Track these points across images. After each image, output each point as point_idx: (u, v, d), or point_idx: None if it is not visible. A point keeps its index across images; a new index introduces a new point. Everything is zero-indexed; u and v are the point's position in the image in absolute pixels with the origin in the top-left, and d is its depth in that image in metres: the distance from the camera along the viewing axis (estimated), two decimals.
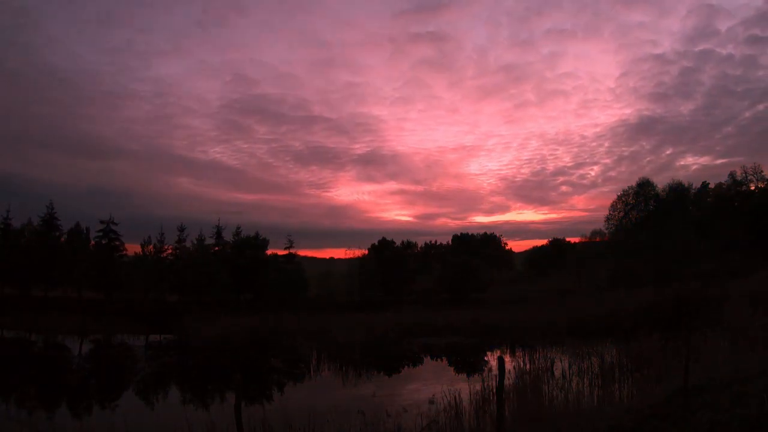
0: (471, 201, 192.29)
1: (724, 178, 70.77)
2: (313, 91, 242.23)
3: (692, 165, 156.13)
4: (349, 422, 10.78)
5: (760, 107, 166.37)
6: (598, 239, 76.17)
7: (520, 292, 59.37)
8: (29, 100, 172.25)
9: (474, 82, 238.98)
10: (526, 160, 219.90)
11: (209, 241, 61.82)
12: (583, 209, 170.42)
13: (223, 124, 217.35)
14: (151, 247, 58.71)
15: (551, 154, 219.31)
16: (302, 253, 70.01)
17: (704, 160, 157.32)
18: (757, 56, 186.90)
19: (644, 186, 68.95)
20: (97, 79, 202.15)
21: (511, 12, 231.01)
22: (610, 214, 71.09)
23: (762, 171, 65.16)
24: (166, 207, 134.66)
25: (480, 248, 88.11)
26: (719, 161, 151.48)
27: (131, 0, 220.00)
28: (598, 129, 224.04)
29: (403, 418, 10.74)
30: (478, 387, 13.01)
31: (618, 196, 71.61)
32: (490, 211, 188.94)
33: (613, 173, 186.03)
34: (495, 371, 10.40)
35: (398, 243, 76.40)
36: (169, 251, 59.54)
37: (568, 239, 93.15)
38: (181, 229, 60.06)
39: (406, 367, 22.59)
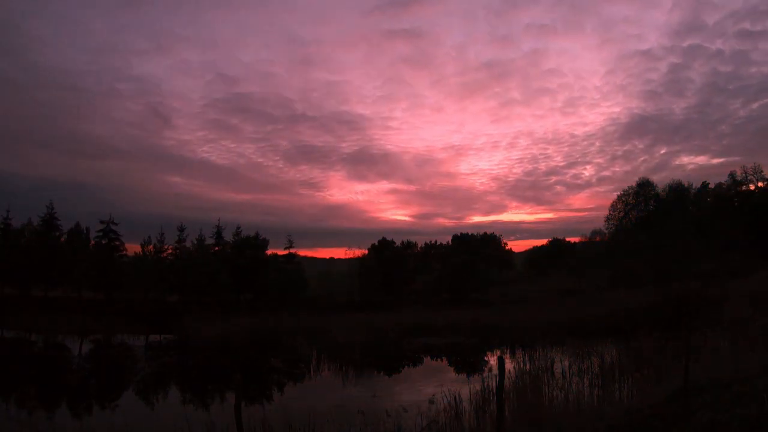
0: (466, 200, 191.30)
1: (721, 178, 70.88)
2: (295, 90, 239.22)
3: (688, 165, 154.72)
4: (349, 422, 10.78)
5: (755, 105, 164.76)
6: (598, 239, 76.19)
7: (520, 292, 59.37)
8: (15, 101, 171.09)
9: (456, 80, 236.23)
10: (517, 159, 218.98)
11: (209, 241, 61.89)
12: (579, 209, 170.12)
13: (209, 123, 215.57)
14: (151, 247, 58.78)
15: (542, 154, 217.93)
16: (302, 253, 70.12)
17: (701, 159, 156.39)
18: (748, 52, 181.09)
19: (644, 186, 69.04)
20: (80, 78, 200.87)
21: (487, 5, 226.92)
22: (610, 214, 71.23)
23: (762, 171, 65.20)
24: (159, 206, 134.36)
25: (480, 248, 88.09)
26: (716, 161, 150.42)
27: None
28: (587, 128, 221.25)
29: (403, 418, 10.73)
30: (478, 387, 13.02)
31: (618, 196, 71.77)
32: (487, 211, 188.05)
33: (607, 173, 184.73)
34: (495, 371, 10.39)
35: (398, 243, 76.47)
36: (169, 251, 59.57)
37: (567, 239, 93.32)
38: (181, 229, 60.16)
39: (406, 367, 22.60)
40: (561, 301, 42.35)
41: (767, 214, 56.94)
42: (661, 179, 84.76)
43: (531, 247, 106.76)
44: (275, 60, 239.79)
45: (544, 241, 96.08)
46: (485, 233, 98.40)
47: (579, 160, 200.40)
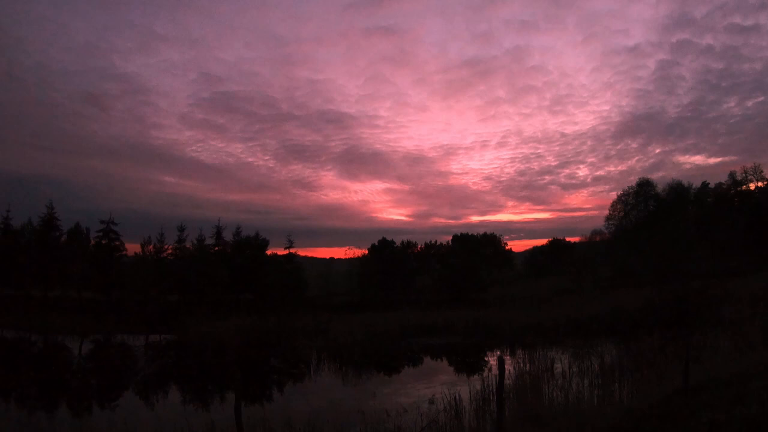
0: (461, 200, 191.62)
1: (718, 178, 71.05)
2: (279, 89, 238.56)
3: (684, 164, 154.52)
4: (349, 422, 10.79)
5: (749, 104, 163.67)
6: (598, 239, 76.27)
7: (520, 292, 59.32)
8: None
9: (439, 78, 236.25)
10: (509, 159, 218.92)
11: (209, 241, 61.90)
12: (576, 208, 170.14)
13: (197, 123, 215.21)
14: (151, 247, 58.77)
15: (533, 153, 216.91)
16: (302, 253, 70.08)
17: (697, 159, 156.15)
18: (739, 47, 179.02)
19: (644, 186, 69.15)
20: (65, 78, 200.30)
21: (464, 1, 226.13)
22: (610, 213, 71.35)
23: (762, 171, 65.24)
24: (147, 204, 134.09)
25: (480, 248, 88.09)
26: (712, 160, 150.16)
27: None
28: (577, 127, 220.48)
29: (403, 418, 10.74)
30: (478, 387, 13.02)
31: (618, 195, 71.92)
32: (483, 211, 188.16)
33: (601, 172, 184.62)
34: (495, 371, 10.40)
35: (397, 243, 76.43)
36: (169, 251, 59.58)
37: (567, 239, 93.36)
38: (181, 229, 60.10)
39: (406, 367, 22.59)
40: (561, 301, 42.32)
41: (767, 214, 56.97)
42: (658, 179, 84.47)
43: (531, 247, 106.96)
44: (257, 59, 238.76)
45: (544, 241, 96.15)
46: (485, 233, 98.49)
47: (572, 159, 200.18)
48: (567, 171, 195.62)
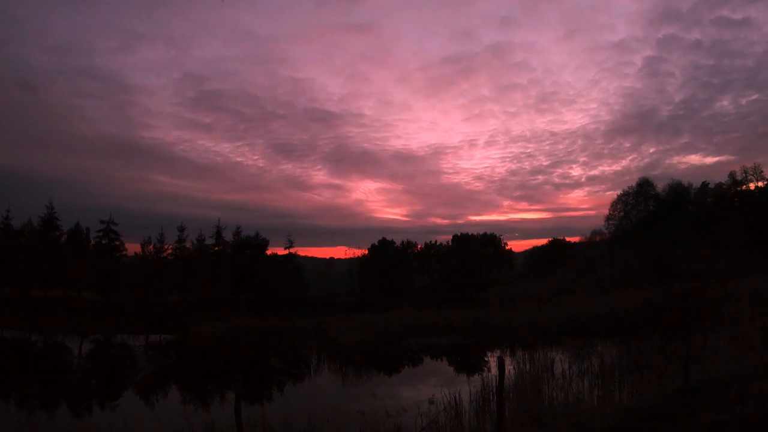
0: (456, 199, 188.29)
1: (716, 177, 71.03)
2: (261, 88, 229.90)
3: (680, 164, 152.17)
4: (349, 422, 10.79)
5: (743, 101, 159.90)
6: (598, 239, 76.27)
7: (520, 292, 59.32)
8: None
9: (420, 76, 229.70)
10: (499, 158, 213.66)
11: (209, 241, 61.94)
12: (573, 208, 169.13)
13: (184, 122, 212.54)
14: (151, 247, 58.82)
15: (523, 152, 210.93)
16: (302, 252, 70.10)
17: (693, 158, 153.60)
18: (728, 42, 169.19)
19: (644, 186, 69.18)
20: (46, 76, 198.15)
21: None
22: (610, 213, 71.38)
23: (762, 170, 65.20)
24: (135, 202, 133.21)
25: (480, 248, 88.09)
26: (709, 159, 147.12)
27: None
28: (566, 126, 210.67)
29: (403, 418, 10.74)
30: (478, 387, 13.02)
31: (618, 195, 71.94)
32: (480, 210, 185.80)
33: (595, 172, 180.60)
34: (495, 371, 10.39)
35: (397, 243, 76.41)
36: (169, 251, 59.61)
37: (567, 239, 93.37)
38: (181, 229, 60.19)
39: (406, 367, 22.59)
40: (561, 301, 42.32)
41: (767, 214, 56.95)
42: (654, 178, 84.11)
43: (531, 246, 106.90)
44: (236, 57, 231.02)
45: (544, 241, 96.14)
46: (485, 233, 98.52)
47: (564, 159, 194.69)
48: (560, 171, 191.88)
